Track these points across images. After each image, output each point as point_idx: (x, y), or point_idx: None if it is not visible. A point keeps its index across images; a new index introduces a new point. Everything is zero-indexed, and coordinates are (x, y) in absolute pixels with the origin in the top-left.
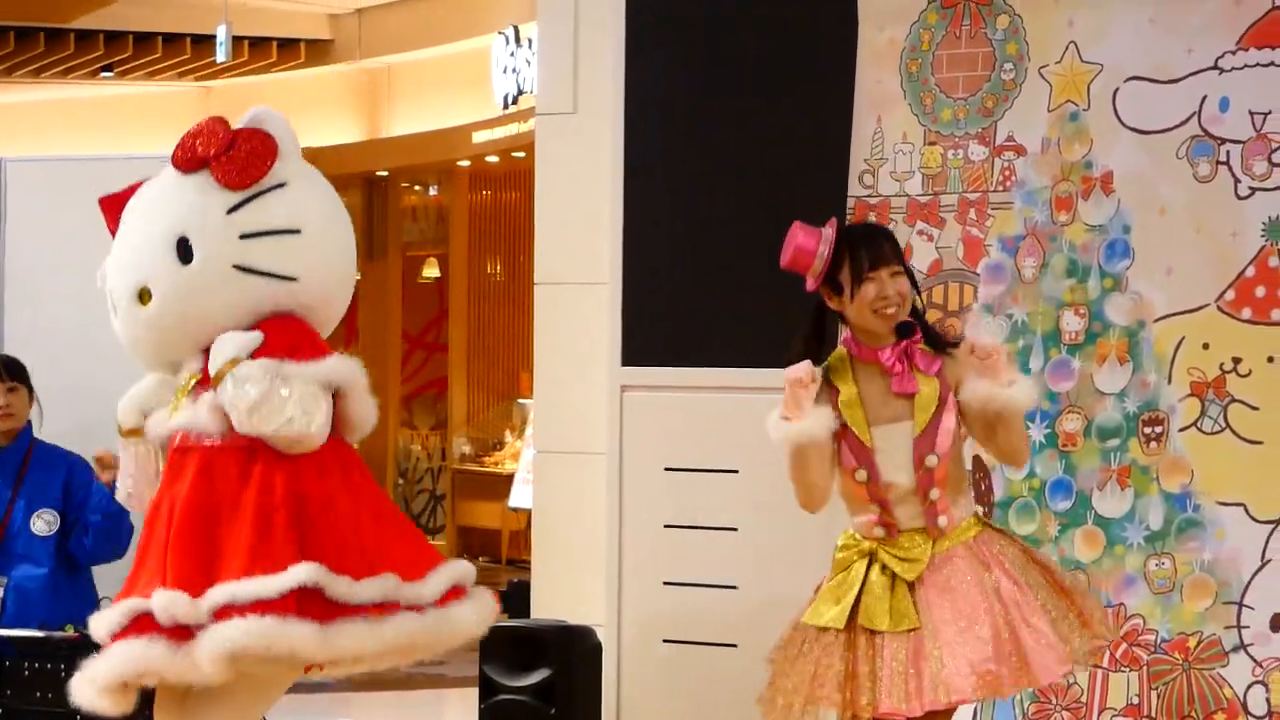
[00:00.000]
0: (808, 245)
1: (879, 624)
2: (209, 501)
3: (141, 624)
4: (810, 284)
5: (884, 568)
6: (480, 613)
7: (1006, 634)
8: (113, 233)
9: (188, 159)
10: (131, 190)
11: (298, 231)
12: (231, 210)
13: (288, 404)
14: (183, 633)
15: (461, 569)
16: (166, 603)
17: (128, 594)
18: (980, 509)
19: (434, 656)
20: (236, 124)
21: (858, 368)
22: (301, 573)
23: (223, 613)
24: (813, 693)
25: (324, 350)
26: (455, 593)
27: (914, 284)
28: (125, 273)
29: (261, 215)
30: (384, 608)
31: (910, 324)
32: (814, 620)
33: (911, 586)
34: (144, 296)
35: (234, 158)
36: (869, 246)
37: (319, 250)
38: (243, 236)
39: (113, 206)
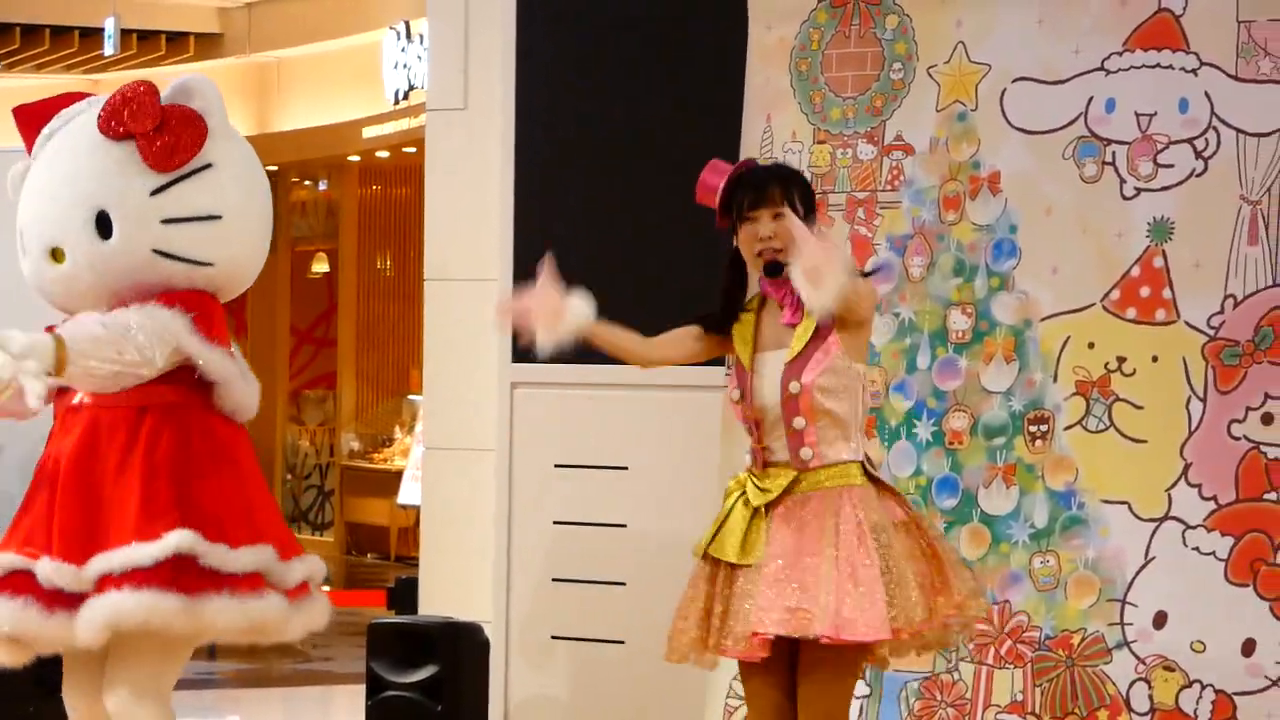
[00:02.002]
0: (709, 181)
1: (728, 555)
2: (94, 463)
3: (18, 583)
4: (718, 220)
5: (747, 501)
6: (316, 614)
7: (828, 582)
8: (28, 148)
9: (115, 128)
10: (48, 106)
11: (219, 217)
12: (155, 193)
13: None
14: (65, 600)
15: (316, 565)
16: (51, 572)
17: (9, 542)
18: (871, 463)
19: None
20: (165, 91)
21: (766, 302)
22: (175, 540)
23: (103, 583)
24: (676, 627)
25: (225, 338)
26: (303, 588)
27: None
28: (40, 224)
29: (185, 200)
30: (255, 581)
31: (778, 264)
32: (694, 552)
33: (769, 519)
34: (57, 255)
35: (163, 139)
36: (754, 188)
37: (237, 235)
38: (164, 221)
39: (28, 120)
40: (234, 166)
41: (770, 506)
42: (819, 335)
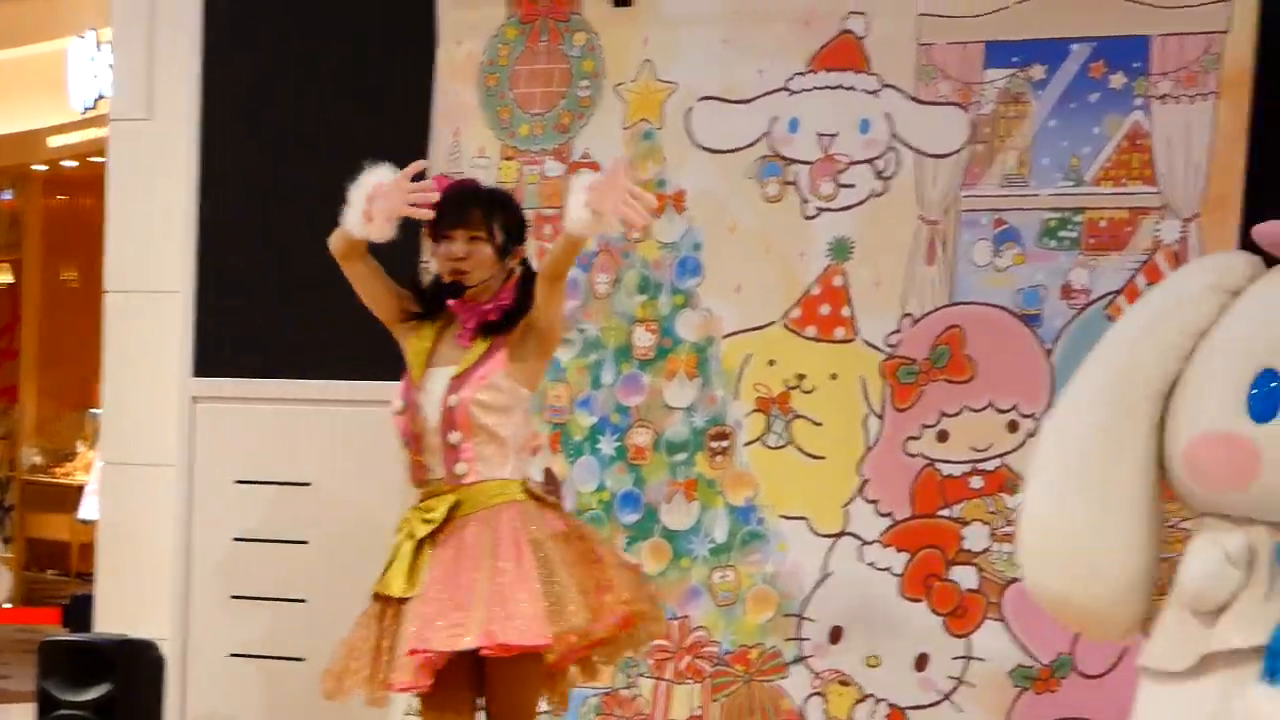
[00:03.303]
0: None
1: (394, 590)
2: None
3: None
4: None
5: (412, 534)
6: None
7: (485, 595)
8: None
9: None
10: None
11: None
12: None
13: None
14: None
15: None
16: None
17: None
18: (536, 483)
19: None
20: None
21: (451, 322)
22: None
23: None
24: (347, 666)
25: None
26: None
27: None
28: None
29: None
30: None
31: (460, 286)
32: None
33: (433, 546)
34: None
35: None
36: (454, 207)
37: None
38: None
39: None
40: None
41: (433, 536)
42: (489, 355)
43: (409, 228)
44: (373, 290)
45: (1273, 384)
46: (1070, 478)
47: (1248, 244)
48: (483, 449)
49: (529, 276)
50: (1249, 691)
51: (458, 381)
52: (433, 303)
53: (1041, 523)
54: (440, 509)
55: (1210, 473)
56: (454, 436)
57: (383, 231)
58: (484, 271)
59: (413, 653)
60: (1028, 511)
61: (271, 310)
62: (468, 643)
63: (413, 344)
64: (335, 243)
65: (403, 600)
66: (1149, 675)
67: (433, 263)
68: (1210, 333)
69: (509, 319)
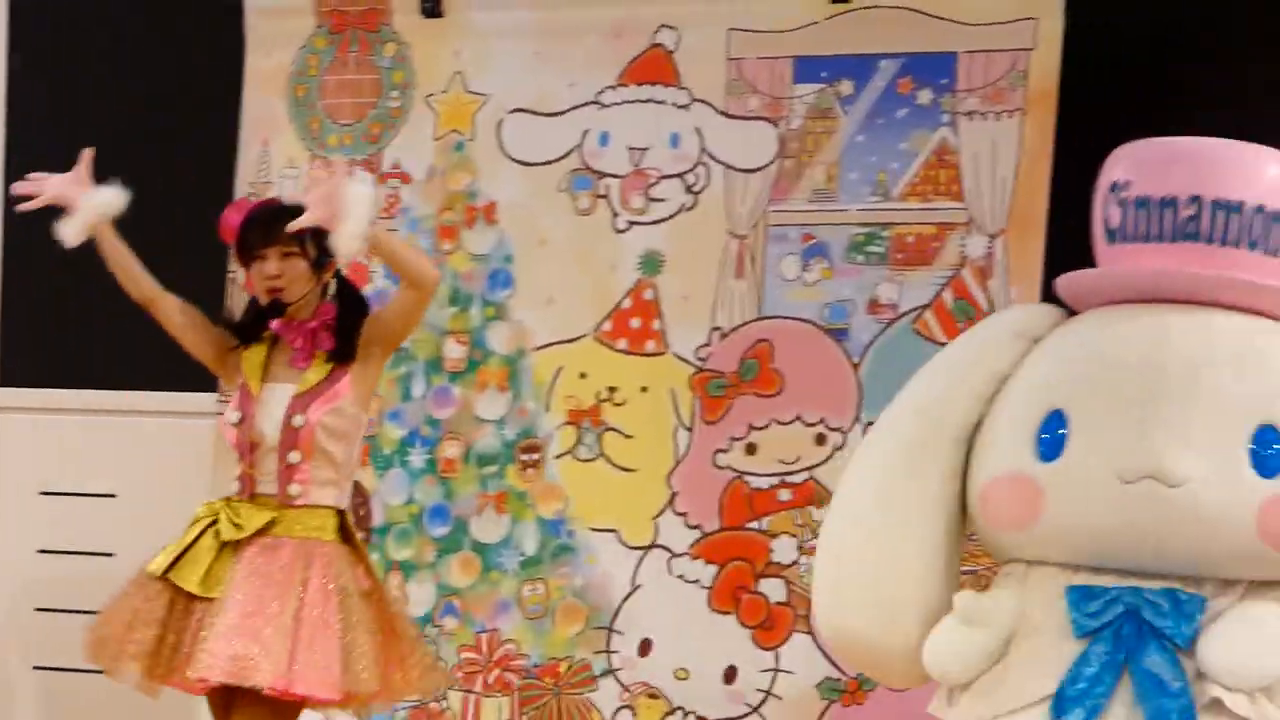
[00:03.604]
0: (229, 219)
1: (187, 583)
2: None
3: None
4: (237, 259)
5: (218, 533)
6: None
7: (285, 635)
8: None
9: None
10: None
11: None
12: None
13: None
14: None
15: None
16: None
17: None
18: (351, 523)
19: None
20: None
21: (279, 340)
22: None
23: None
24: (125, 638)
25: None
26: None
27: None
28: None
29: None
30: None
31: (279, 305)
32: (148, 568)
33: (237, 557)
34: None
35: None
36: (262, 225)
37: None
38: None
39: None
40: None
41: (241, 544)
42: (333, 376)
43: (215, 254)
44: (192, 337)
45: (1059, 425)
46: (874, 514)
47: (1053, 258)
48: (319, 472)
49: (345, 288)
50: None
51: (301, 401)
52: (253, 327)
53: (841, 558)
54: (255, 522)
55: (999, 514)
56: (293, 456)
57: (99, 207)
58: (301, 286)
59: (200, 680)
60: (830, 546)
61: (75, 321)
62: (259, 681)
63: (248, 358)
64: (123, 279)
65: (195, 597)
66: None
67: (241, 295)
68: (1011, 378)
69: (343, 338)
